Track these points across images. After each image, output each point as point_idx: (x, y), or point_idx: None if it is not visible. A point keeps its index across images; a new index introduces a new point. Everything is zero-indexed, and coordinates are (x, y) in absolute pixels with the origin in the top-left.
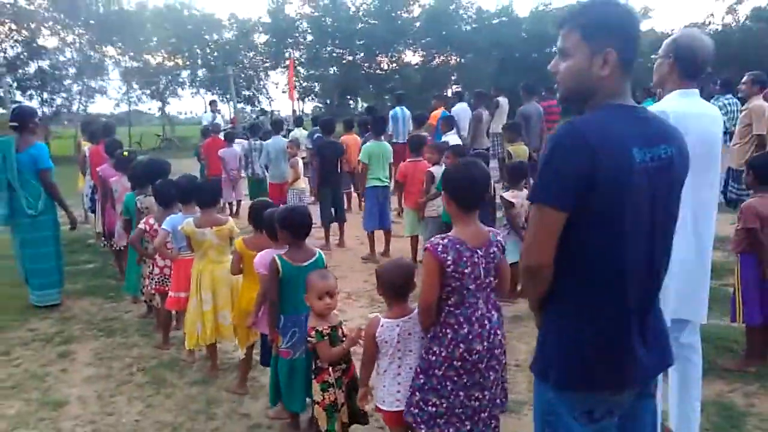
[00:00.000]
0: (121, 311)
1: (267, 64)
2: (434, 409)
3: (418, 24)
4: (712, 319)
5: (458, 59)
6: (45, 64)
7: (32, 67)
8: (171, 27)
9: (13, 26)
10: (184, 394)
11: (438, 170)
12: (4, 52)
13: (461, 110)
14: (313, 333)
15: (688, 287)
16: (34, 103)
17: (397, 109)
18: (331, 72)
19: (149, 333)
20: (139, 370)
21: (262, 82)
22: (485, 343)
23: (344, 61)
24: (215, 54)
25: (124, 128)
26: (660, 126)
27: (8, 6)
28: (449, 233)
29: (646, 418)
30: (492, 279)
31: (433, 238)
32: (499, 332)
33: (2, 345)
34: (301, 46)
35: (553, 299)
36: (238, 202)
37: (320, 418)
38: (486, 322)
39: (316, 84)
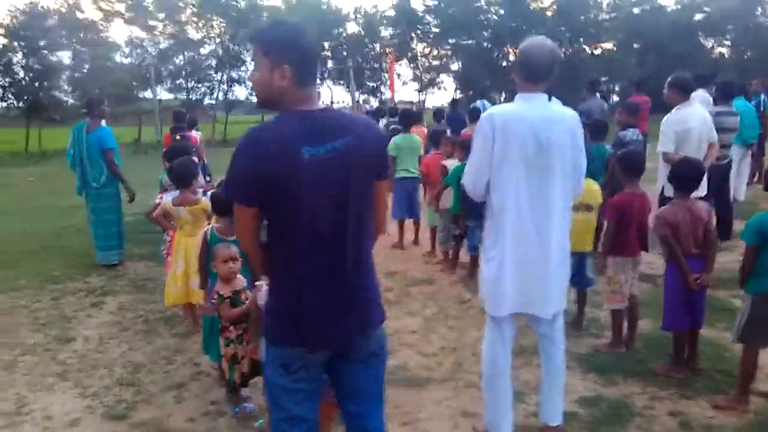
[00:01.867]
0: (163, 273)
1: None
2: None
3: (549, 13)
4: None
5: (593, 50)
6: (191, 55)
7: (179, 59)
8: (300, 21)
9: (167, 21)
10: (164, 342)
11: (451, 163)
12: (157, 45)
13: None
14: (215, 296)
15: (528, 283)
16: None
17: (479, 102)
18: (456, 64)
19: None
20: (142, 320)
21: (385, 74)
22: None
23: (470, 53)
24: (344, 46)
25: (256, 116)
26: (335, 123)
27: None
28: None
29: (359, 382)
30: None
31: None
32: None
33: (57, 292)
34: (428, 37)
35: (269, 272)
36: None
37: (224, 369)
38: None
39: (439, 76)
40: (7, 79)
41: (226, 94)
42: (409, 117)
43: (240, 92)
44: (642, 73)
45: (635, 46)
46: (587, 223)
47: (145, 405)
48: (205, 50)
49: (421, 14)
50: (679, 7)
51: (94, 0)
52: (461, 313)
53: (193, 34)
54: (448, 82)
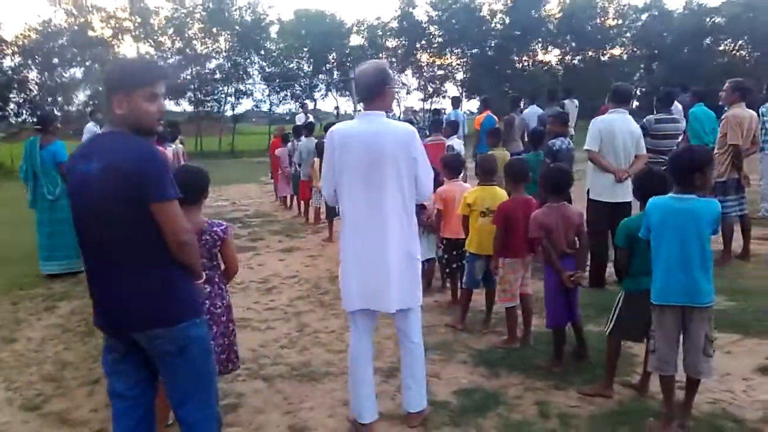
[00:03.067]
0: None
1: (398, 67)
2: None
3: (555, 20)
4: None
5: (599, 56)
6: (198, 69)
7: (186, 74)
8: (306, 34)
9: (175, 36)
10: (97, 342)
11: None
12: (164, 60)
13: (531, 113)
14: None
15: (368, 281)
16: (187, 105)
17: (452, 112)
18: (461, 73)
19: None
20: (85, 323)
21: None
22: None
23: (476, 62)
24: (350, 58)
25: (263, 127)
26: (99, 147)
27: (172, 19)
28: None
29: (165, 376)
30: (206, 260)
31: None
32: (207, 302)
33: (18, 298)
34: (432, 47)
35: None
36: (292, 196)
37: None
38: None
39: (444, 85)
40: (21, 96)
41: (233, 106)
42: None
43: (247, 104)
44: (650, 80)
45: (643, 52)
46: (492, 227)
47: (60, 398)
48: (212, 64)
49: (425, 25)
50: (686, 12)
51: (104, 18)
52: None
53: (201, 48)
54: (452, 90)
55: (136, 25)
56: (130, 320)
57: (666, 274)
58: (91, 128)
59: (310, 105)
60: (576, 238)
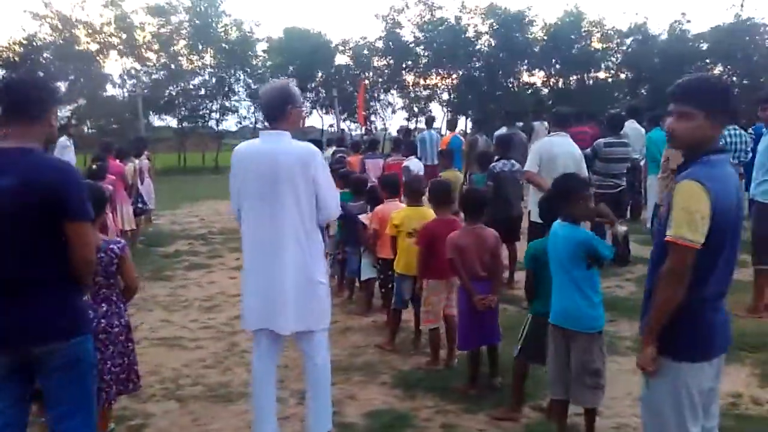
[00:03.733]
0: None
1: (384, 86)
2: None
3: (541, 43)
4: None
5: (584, 80)
6: (183, 85)
7: (172, 90)
8: (293, 52)
9: (160, 52)
10: None
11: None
12: (150, 76)
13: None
14: None
15: (265, 302)
16: (173, 121)
17: (425, 132)
18: (446, 93)
19: None
20: None
21: (378, 103)
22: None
23: (461, 83)
24: (337, 76)
25: None
26: (10, 162)
27: (158, 35)
28: None
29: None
30: (102, 278)
31: None
32: (103, 321)
33: None
34: (418, 68)
35: None
36: None
37: None
38: (91, 312)
39: (429, 105)
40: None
41: (218, 122)
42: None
43: (232, 120)
44: (635, 102)
45: (628, 75)
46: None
47: None
48: (196, 81)
49: (411, 45)
50: (671, 37)
51: (89, 33)
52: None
53: (186, 65)
54: (437, 110)
55: (122, 39)
56: (27, 335)
57: (552, 296)
58: (63, 142)
59: None
60: (492, 261)
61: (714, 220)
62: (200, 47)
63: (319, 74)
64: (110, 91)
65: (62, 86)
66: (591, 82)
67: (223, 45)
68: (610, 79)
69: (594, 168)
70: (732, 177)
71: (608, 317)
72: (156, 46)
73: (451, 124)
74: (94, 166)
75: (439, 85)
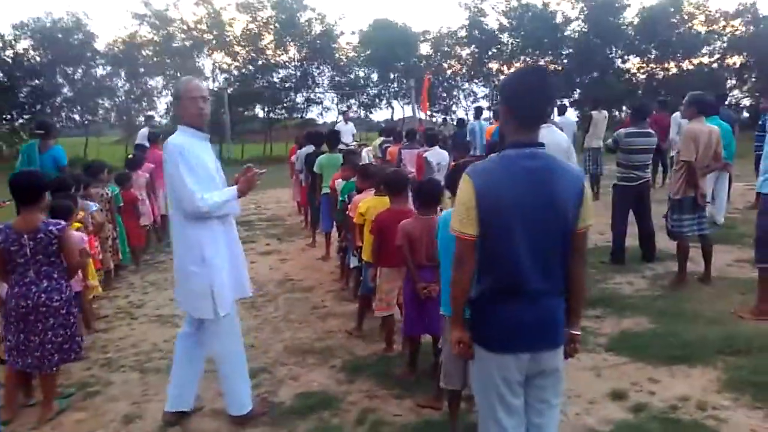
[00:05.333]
0: None
1: (467, 76)
2: (9, 343)
3: (635, 27)
4: None
5: (684, 65)
6: (269, 78)
7: (259, 83)
8: (376, 43)
9: (248, 47)
10: None
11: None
12: (239, 70)
13: (565, 122)
14: None
15: (184, 287)
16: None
17: (474, 123)
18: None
19: None
20: None
21: (461, 93)
22: (29, 302)
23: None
24: (421, 65)
25: None
26: None
27: (246, 31)
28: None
29: None
30: (43, 256)
31: None
32: (44, 295)
33: None
34: (504, 56)
35: None
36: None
37: None
38: (33, 287)
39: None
40: (109, 102)
41: (303, 114)
42: (333, 136)
43: (316, 112)
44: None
45: (735, 61)
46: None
47: None
48: (281, 74)
49: (495, 33)
50: None
51: (184, 30)
52: (303, 317)
53: (272, 58)
54: None
55: (213, 35)
56: None
57: (442, 285)
58: (144, 133)
59: (353, 113)
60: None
61: (484, 213)
62: (285, 41)
63: (401, 64)
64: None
65: (160, 81)
66: (692, 67)
67: (307, 38)
68: (714, 65)
69: (617, 159)
70: (527, 171)
71: (597, 313)
72: (244, 42)
73: (478, 112)
74: (130, 156)
75: None
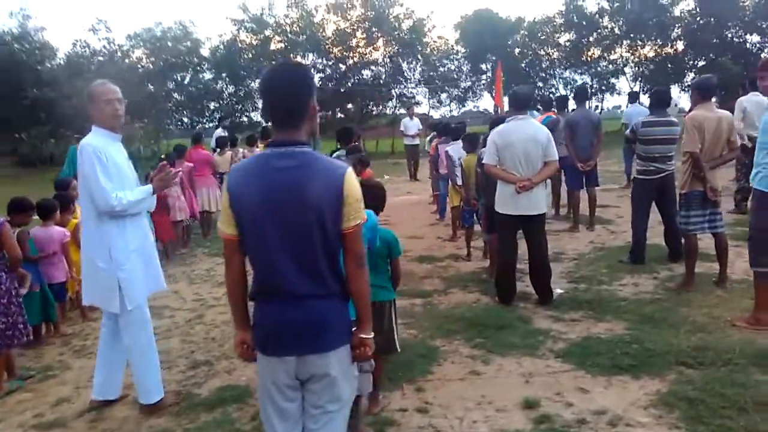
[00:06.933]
0: None
1: (565, 63)
2: None
3: (752, 3)
4: None
5: None
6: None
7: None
8: (477, 35)
9: (340, 46)
10: None
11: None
12: (335, 70)
13: (634, 112)
14: None
15: (92, 282)
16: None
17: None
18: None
19: None
20: None
21: (559, 81)
22: None
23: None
24: (516, 53)
25: None
26: None
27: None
28: None
29: None
30: None
31: None
32: None
33: None
34: (604, 41)
35: None
36: None
37: None
38: None
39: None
40: (213, 104)
41: (395, 109)
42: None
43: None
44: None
45: None
46: None
47: None
48: (372, 71)
49: (596, 17)
50: None
51: (279, 33)
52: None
53: (364, 54)
54: (625, 86)
55: (306, 37)
56: None
57: None
58: (219, 133)
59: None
60: None
61: (236, 213)
62: (375, 37)
63: (492, 57)
64: None
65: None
66: None
67: (396, 34)
68: None
69: (636, 151)
70: (277, 171)
71: (576, 316)
72: (336, 41)
73: (544, 104)
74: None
75: (629, 58)
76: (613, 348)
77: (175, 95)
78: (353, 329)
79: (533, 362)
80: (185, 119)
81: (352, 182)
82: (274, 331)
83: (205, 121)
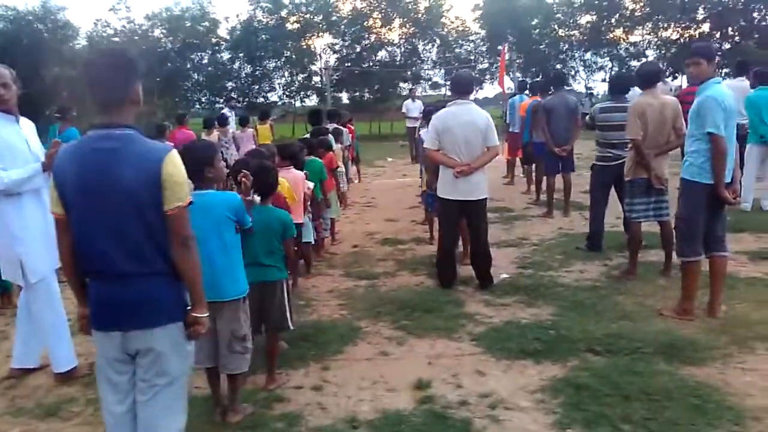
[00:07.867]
0: None
1: (586, 46)
2: None
3: None
4: None
5: None
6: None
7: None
8: (487, 17)
9: (355, 27)
10: None
11: None
12: (349, 49)
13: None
14: None
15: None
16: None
17: (516, 97)
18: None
19: None
20: None
21: (580, 64)
22: None
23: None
24: (533, 35)
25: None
26: None
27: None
28: None
29: None
30: None
31: None
32: None
33: None
34: (627, 23)
35: None
36: None
37: None
38: None
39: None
40: (230, 84)
41: (410, 90)
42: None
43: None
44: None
45: None
46: None
47: None
48: (386, 51)
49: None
50: None
51: (295, 13)
52: None
53: (380, 35)
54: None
55: (321, 18)
56: None
57: None
58: (225, 114)
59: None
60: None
61: (59, 193)
62: (391, 19)
63: (510, 39)
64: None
65: (276, 63)
66: None
67: (412, 15)
68: None
69: (596, 138)
70: (95, 152)
71: (508, 300)
72: (351, 22)
73: (532, 88)
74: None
75: (651, 41)
76: (527, 333)
77: (195, 75)
78: (188, 308)
79: (446, 344)
80: (204, 99)
81: (173, 165)
82: (100, 307)
83: (222, 101)
